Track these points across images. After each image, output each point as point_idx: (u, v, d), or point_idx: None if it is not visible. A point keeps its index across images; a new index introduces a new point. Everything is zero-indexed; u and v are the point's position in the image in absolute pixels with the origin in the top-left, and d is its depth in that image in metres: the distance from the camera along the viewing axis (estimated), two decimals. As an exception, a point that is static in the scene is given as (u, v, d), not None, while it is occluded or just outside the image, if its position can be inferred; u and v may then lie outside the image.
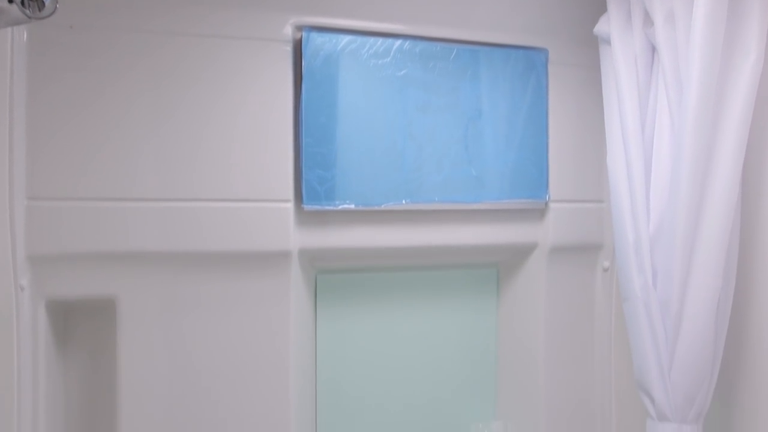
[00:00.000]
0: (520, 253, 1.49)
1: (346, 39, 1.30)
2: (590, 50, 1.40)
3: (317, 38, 1.28)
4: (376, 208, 1.32)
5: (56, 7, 0.92)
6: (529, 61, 1.43)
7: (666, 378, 1.15)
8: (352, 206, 1.30)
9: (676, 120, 1.14)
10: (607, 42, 1.29)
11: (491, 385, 1.56)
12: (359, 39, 1.31)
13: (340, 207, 1.29)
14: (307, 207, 1.27)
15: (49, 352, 1.23)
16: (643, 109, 1.23)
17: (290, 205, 1.26)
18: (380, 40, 1.33)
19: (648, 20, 1.21)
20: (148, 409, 1.23)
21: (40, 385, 1.20)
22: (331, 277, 1.43)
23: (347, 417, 1.45)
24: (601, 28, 1.32)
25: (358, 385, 1.45)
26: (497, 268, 1.57)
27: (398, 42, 1.34)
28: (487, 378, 1.56)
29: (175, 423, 1.24)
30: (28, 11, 0.87)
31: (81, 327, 1.31)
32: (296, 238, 1.28)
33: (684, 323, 1.12)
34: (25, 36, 1.14)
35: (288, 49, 1.27)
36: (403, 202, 1.34)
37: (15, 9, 0.85)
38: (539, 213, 1.46)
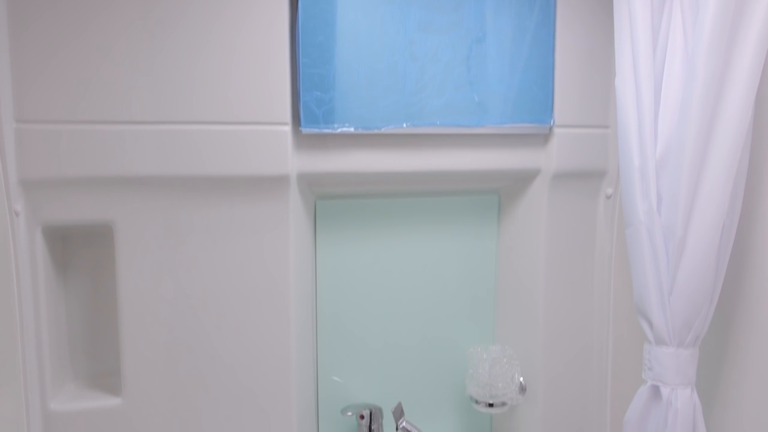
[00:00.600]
0: (523, 179, 1.47)
1: (344, -49, 1.23)
2: (602, -35, 1.33)
3: (314, -50, 1.21)
4: (376, 131, 1.29)
5: None
6: (537, -22, 1.36)
7: (666, 303, 1.16)
8: (352, 129, 1.27)
9: (690, 40, 1.09)
10: (621, -44, 1.22)
11: (490, 310, 1.58)
12: (358, -49, 1.24)
13: (338, 130, 1.26)
14: (305, 130, 1.24)
15: (49, 277, 1.23)
16: (655, 29, 1.17)
17: (288, 128, 1.22)
18: (380, -48, 1.25)
19: (665, -69, 1.14)
20: (149, 334, 1.24)
21: (42, 310, 1.21)
22: (330, 202, 1.41)
23: (347, 339, 1.47)
24: (614, -60, 1.24)
25: (358, 310, 1.47)
26: (499, 194, 1.55)
27: (399, -45, 1.26)
28: (486, 304, 1.58)
29: (177, 346, 1.25)
30: None
31: (80, 253, 1.31)
32: (294, 162, 1.25)
33: (687, 249, 1.12)
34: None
35: (283, -37, 1.20)
36: (404, 125, 1.30)
37: None
38: (543, 138, 1.43)
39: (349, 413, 1.42)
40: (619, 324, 1.50)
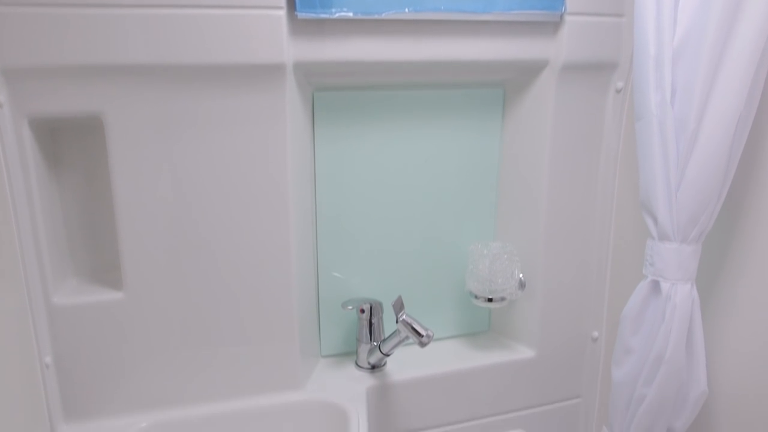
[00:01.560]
0: (530, 71, 1.40)
1: None
2: None
3: None
4: (377, 16, 1.21)
5: None
6: None
7: (672, 198, 1.13)
8: (350, 14, 1.19)
9: None
10: None
11: (492, 207, 1.56)
12: None
13: (336, 15, 1.18)
14: (300, 15, 1.16)
15: (40, 171, 1.20)
16: None
17: (282, 13, 1.14)
18: None
19: None
20: (147, 228, 1.23)
21: (36, 203, 1.19)
22: (328, 94, 1.36)
23: (346, 235, 1.46)
24: None
25: (358, 205, 1.45)
26: (504, 87, 1.49)
27: None
28: (488, 200, 1.55)
29: (176, 241, 1.24)
30: None
31: (71, 146, 1.28)
32: (290, 50, 1.18)
33: (699, 142, 1.08)
34: None
35: None
36: (406, 10, 1.22)
37: None
38: (553, 27, 1.35)
39: (350, 307, 1.43)
40: (622, 221, 1.49)
